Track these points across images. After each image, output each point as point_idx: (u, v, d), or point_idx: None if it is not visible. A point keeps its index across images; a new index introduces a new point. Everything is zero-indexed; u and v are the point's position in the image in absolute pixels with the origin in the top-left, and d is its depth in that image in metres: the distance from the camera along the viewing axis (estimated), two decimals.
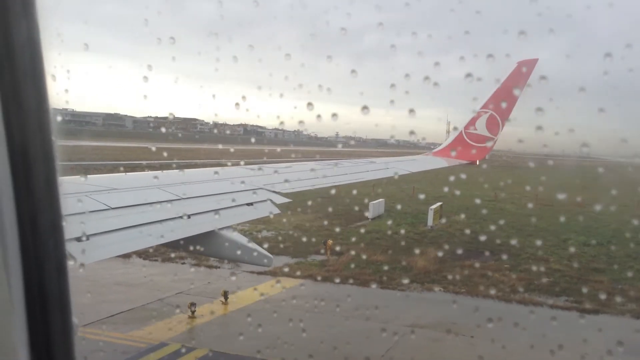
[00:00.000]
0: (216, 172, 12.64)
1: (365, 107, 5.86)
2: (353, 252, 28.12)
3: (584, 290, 23.24)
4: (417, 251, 28.94)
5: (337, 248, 28.27)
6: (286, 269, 25.27)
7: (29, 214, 1.99)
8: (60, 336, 2.12)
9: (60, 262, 2.11)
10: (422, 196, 51.36)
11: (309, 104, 5.87)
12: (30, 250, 1.98)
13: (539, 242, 32.71)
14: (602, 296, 22.32)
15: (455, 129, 22.61)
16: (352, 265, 25.90)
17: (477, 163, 20.74)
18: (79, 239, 6.41)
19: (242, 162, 13.08)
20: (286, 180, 12.45)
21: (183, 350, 16.24)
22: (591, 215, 42.36)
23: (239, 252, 8.98)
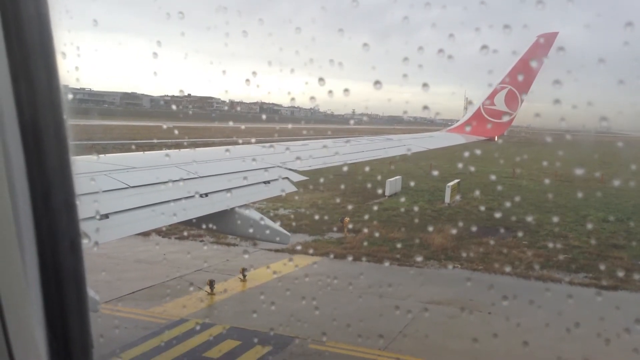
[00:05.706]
0: (233, 151, 12.71)
1: (378, 82, 5.80)
2: (370, 230, 28.16)
3: (603, 266, 23.09)
4: (434, 228, 28.87)
5: (354, 226, 28.34)
6: (303, 247, 25.41)
7: (42, 192, 1.99)
8: (76, 314, 2.14)
9: (74, 240, 2.12)
10: (439, 173, 51.07)
11: (320, 80, 5.84)
12: (43, 228, 1.98)
13: (557, 219, 32.47)
14: (621, 273, 22.14)
15: (471, 103, 22.35)
16: (369, 243, 25.98)
17: (496, 139, 20.54)
18: (100, 217, 6.52)
19: (257, 140, 13.12)
20: (302, 158, 12.48)
21: (202, 326, 16.51)
22: (611, 191, 41.90)
23: (256, 230, 9.06)
